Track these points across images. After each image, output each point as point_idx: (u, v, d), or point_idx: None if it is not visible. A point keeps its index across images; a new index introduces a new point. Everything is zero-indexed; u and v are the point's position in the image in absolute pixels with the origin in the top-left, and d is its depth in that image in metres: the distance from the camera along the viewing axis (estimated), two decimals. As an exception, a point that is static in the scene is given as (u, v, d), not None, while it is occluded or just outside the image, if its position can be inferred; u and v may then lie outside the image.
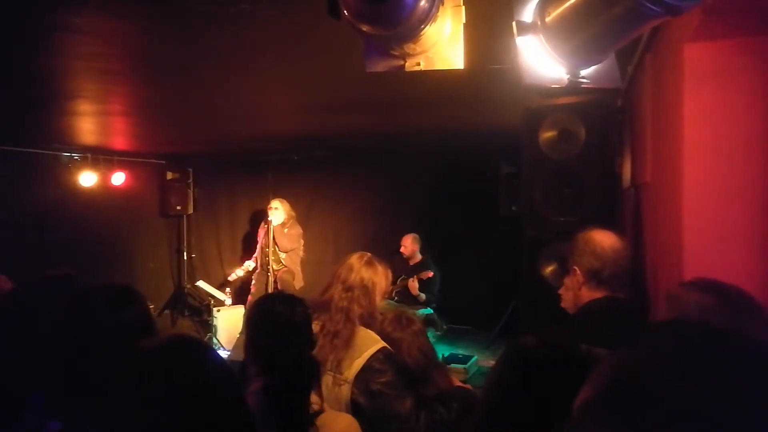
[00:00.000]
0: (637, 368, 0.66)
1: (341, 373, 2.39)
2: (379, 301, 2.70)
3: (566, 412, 0.70)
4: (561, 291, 2.46)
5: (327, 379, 2.37)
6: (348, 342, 2.43)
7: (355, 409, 2.35)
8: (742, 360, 0.63)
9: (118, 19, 2.89)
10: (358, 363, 2.38)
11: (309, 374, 2.09)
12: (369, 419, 2.33)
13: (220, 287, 8.43)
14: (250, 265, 7.92)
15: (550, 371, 1.55)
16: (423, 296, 7.37)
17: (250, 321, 2.25)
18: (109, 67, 3.75)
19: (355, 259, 2.68)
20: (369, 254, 2.76)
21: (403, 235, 7.83)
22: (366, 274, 2.63)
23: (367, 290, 2.60)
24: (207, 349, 1.27)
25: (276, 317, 2.17)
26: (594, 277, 2.27)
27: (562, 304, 2.44)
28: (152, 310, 9.56)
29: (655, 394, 0.61)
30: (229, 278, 8.18)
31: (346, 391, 2.35)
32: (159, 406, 1.07)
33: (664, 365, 0.64)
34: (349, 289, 2.57)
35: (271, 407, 1.93)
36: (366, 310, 2.57)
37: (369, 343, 2.46)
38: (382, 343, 2.48)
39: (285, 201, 7.83)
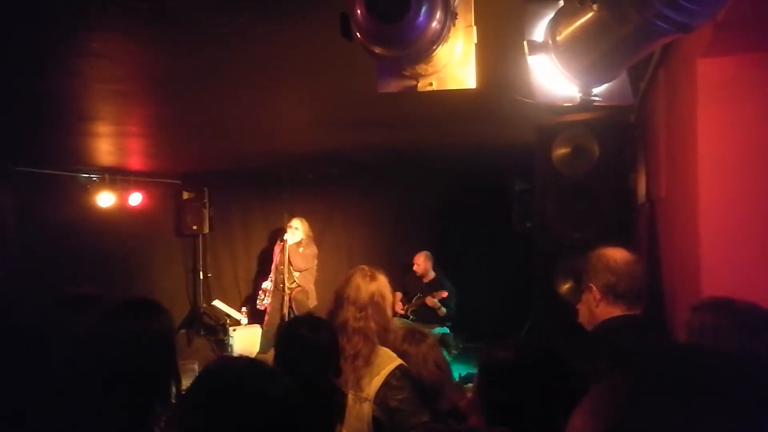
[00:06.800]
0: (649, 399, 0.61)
1: (361, 391, 2.40)
2: (390, 311, 2.70)
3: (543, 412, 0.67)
4: (579, 306, 2.44)
5: (347, 398, 2.38)
6: (368, 360, 2.44)
7: (376, 426, 2.36)
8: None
9: (135, 41, 2.94)
10: (377, 381, 2.40)
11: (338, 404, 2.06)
12: None
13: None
14: (269, 285, 7.87)
15: (521, 375, 1.62)
16: (444, 310, 7.32)
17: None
18: (126, 89, 3.81)
19: (359, 278, 2.65)
20: (367, 267, 2.73)
21: (417, 251, 7.81)
22: (373, 288, 2.63)
23: (378, 305, 2.60)
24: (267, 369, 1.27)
25: (303, 341, 2.16)
26: (610, 291, 2.25)
27: (579, 320, 2.43)
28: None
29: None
30: (259, 307, 8.01)
31: (367, 408, 2.37)
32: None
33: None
34: (362, 308, 2.57)
35: None
36: (381, 325, 2.57)
37: (387, 361, 2.47)
38: (399, 361, 2.50)
39: (304, 221, 7.81)
